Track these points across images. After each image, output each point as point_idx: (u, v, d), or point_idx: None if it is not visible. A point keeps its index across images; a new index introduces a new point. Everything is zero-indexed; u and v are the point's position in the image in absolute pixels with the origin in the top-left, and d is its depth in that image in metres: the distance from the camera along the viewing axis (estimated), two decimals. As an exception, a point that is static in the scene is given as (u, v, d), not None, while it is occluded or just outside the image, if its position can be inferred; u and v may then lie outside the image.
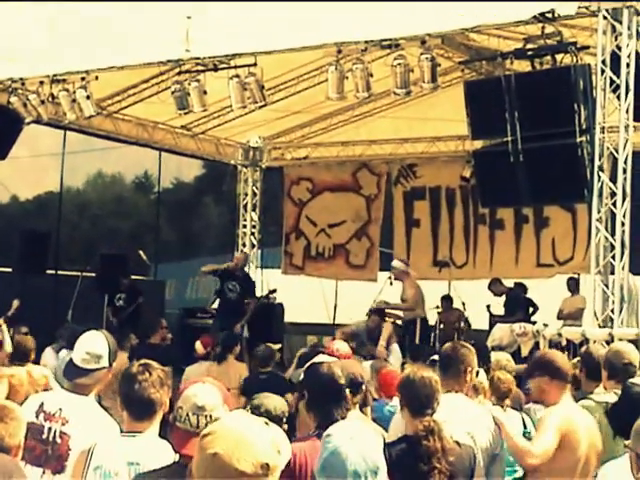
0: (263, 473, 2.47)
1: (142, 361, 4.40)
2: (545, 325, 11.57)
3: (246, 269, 16.51)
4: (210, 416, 3.57)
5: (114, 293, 15.93)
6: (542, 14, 9.84)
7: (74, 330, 7.69)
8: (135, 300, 15.90)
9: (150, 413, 4.16)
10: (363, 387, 5.52)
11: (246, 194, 20.04)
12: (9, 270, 16.71)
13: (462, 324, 15.09)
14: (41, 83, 13.48)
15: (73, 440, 4.60)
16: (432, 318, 15.32)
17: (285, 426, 5.13)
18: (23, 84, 13.64)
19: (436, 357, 5.93)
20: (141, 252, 16.33)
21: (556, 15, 9.86)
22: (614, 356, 6.19)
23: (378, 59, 12.13)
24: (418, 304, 13.75)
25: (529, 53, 10.94)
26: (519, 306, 14.71)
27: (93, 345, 4.88)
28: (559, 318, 14.20)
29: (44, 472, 4.64)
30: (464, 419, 5.08)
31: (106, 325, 15.26)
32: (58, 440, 4.66)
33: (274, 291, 17.39)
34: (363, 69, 11.67)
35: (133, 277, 16.78)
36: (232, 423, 2.59)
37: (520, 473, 5.83)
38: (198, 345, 11.16)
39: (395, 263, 14.35)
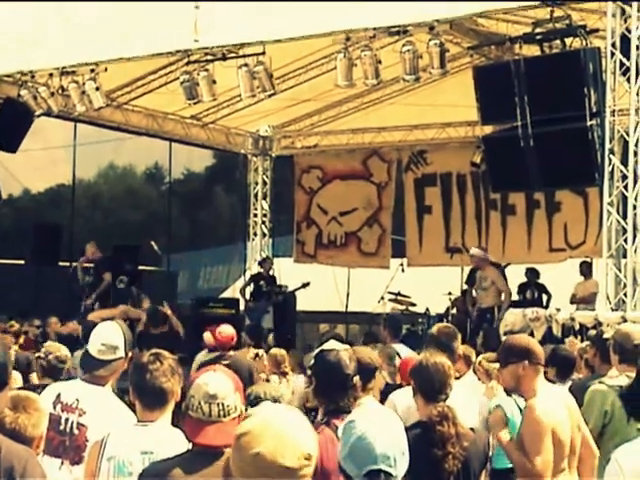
0: (307, 464, 2.47)
1: (153, 350, 4.40)
2: (558, 309, 11.57)
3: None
4: (222, 404, 3.57)
5: (117, 275, 16.00)
6: (551, -3, 9.81)
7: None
8: (132, 284, 15.94)
9: (162, 402, 4.15)
10: (376, 373, 5.52)
11: (256, 183, 20.06)
12: (22, 262, 16.79)
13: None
14: (50, 75, 13.50)
15: (90, 431, 4.61)
16: (443, 305, 15.34)
17: None
18: (33, 77, 13.66)
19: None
20: (153, 243, 16.33)
21: (565, -2, 9.84)
22: (622, 339, 6.13)
23: (387, 46, 12.09)
24: (507, 289, 13.75)
25: (538, 37, 10.90)
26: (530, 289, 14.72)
27: (109, 336, 4.88)
28: (572, 302, 14.17)
29: (62, 463, 4.66)
30: None
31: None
32: (75, 431, 4.67)
33: (307, 284, 16.81)
34: (372, 56, 11.65)
35: (145, 267, 16.81)
36: (267, 418, 2.55)
37: None
38: (207, 335, 11.16)
39: (474, 251, 14.26)
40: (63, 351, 6.56)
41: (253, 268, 18.47)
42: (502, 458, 5.44)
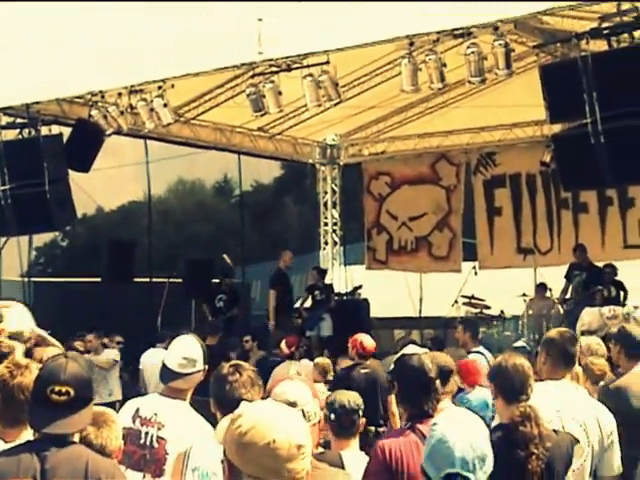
0: (298, 453, 2.47)
1: (233, 362, 4.44)
2: (635, 307, 11.36)
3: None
4: (303, 411, 3.60)
5: (214, 293, 16.14)
6: (618, -9, 9.64)
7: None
8: (233, 306, 16.07)
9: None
10: (451, 377, 5.52)
11: (325, 192, 20.14)
12: (98, 280, 16.98)
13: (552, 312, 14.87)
14: (119, 95, 13.68)
15: (169, 444, 4.67)
16: (517, 307, 15.19)
17: (363, 419, 5.23)
18: (103, 97, 13.86)
19: (521, 344, 5.87)
20: (225, 256, 16.46)
21: (632, -9, 9.66)
22: None
23: (451, 49, 12.03)
24: None
25: (605, 32, 10.72)
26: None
27: (189, 350, 4.92)
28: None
29: (144, 476, 4.72)
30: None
31: (195, 325, 15.43)
32: (155, 444, 4.73)
33: (359, 287, 17.50)
34: (436, 60, 11.60)
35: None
36: (263, 411, 2.57)
37: None
38: (282, 345, 11.25)
39: None
40: None
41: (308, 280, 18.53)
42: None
